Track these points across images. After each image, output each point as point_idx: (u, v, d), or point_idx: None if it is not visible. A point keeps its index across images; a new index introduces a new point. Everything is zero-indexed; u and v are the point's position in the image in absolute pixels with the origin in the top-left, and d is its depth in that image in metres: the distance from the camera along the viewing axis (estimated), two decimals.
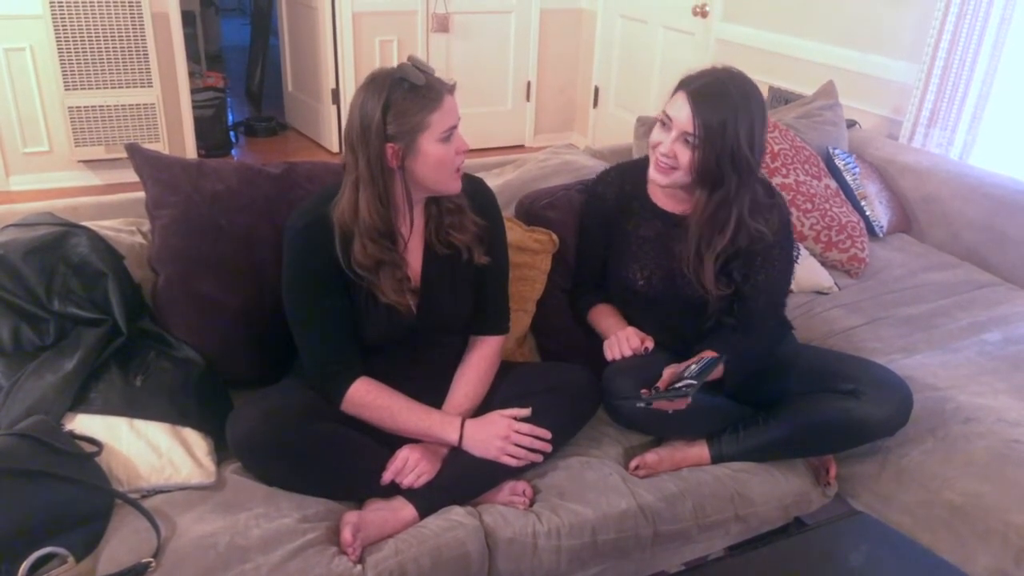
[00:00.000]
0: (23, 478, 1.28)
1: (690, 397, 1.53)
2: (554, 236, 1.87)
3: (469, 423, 1.54)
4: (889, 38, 3.06)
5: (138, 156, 1.70)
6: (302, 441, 1.45)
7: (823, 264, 2.37)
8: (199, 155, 4.37)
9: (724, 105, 1.56)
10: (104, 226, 1.72)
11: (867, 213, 2.51)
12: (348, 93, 4.57)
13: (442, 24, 4.63)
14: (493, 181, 2.13)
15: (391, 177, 1.46)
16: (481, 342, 1.68)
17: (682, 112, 1.59)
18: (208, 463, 1.47)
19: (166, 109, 4.05)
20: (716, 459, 1.69)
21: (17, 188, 4.01)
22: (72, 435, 1.40)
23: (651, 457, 1.66)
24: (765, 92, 3.50)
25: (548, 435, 1.55)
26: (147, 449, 1.44)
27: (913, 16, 2.95)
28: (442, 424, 1.54)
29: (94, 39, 3.75)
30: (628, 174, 1.82)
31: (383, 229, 1.47)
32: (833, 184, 2.51)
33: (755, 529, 1.69)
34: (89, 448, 1.40)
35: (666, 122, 1.63)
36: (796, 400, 1.68)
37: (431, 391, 1.61)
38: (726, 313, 1.74)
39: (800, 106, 2.82)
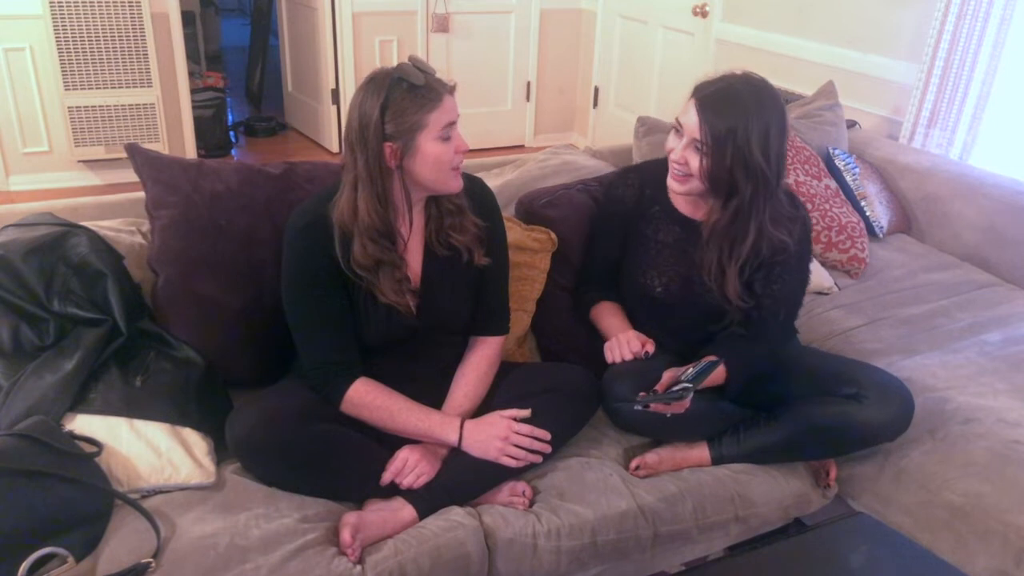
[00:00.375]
0: (23, 478, 1.28)
1: (688, 401, 1.53)
2: (553, 235, 1.87)
3: (468, 424, 1.54)
4: (889, 38, 3.06)
5: (138, 156, 1.70)
6: (301, 441, 1.45)
7: (823, 264, 2.37)
8: (199, 155, 4.37)
9: (733, 112, 1.54)
10: (104, 226, 1.72)
11: (867, 213, 2.51)
12: (348, 93, 4.57)
13: (442, 24, 4.63)
14: (493, 181, 2.13)
15: (389, 177, 1.46)
16: (481, 342, 1.68)
17: (691, 119, 1.58)
18: (208, 463, 1.47)
19: (166, 109, 4.05)
20: (717, 461, 1.69)
21: (17, 188, 4.01)
22: (72, 435, 1.40)
23: (651, 457, 1.66)
24: None
25: (547, 436, 1.55)
26: (147, 449, 1.44)
27: (913, 16, 2.95)
28: (441, 425, 1.54)
29: (94, 39, 3.75)
30: (648, 177, 1.80)
31: (382, 229, 1.47)
32: (833, 184, 2.51)
33: (755, 530, 1.69)
34: (89, 448, 1.40)
35: (679, 129, 1.62)
36: (797, 403, 1.68)
37: (431, 391, 1.61)
38: (740, 322, 1.72)
39: (800, 106, 2.82)
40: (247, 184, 1.72)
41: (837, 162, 2.57)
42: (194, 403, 1.53)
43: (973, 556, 1.55)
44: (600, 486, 1.58)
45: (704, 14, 3.91)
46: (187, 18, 4.59)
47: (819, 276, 2.30)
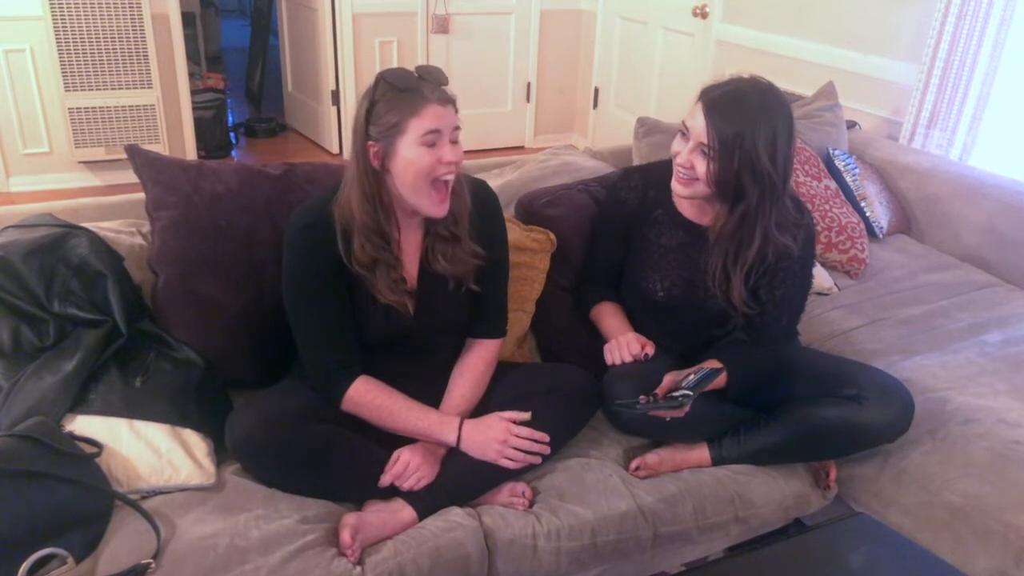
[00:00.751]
0: (23, 479, 1.28)
1: (687, 406, 1.53)
2: (552, 236, 1.87)
3: (467, 424, 1.54)
4: (889, 39, 3.06)
5: (138, 157, 1.70)
6: (301, 443, 1.45)
7: (823, 265, 2.37)
8: (199, 156, 4.38)
9: (741, 116, 1.53)
10: (104, 227, 1.72)
11: (867, 214, 2.51)
12: (348, 94, 4.58)
13: (442, 25, 4.63)
14: (493, 182, 2.13)
15: (377, 178, 1.47)
16: (478, 344, 1.67)
17: (698, 123, 1.56)
18: (208, 464, 1.47)
19: (166, 110, 4.06)
20: (717, 461, 1.69)
21: (17, 189, 4.01)
22: (72, 436, 1.40)
23: (651, 458, 1.66)
24: None
25: (546, 438, 1.55)
26: (147, 450, 1.44)
27: (913, 17, 2.95)
28: (440, 425, 1.54)
29: (94, 40, 3.75)
30: (652, 180, 1.78)
31: (374, 227, 1.48)
32: (833, 185, 2.51)
33: (755, 530, 1.69)
34: (89, 449, 1.40)
35: (685, 132, 1.61)
36: (798, 404, 1.68)
37: (431, 389, 1.61)
38: (742, 326, 1.72)
39: (800, 107, 2.82)
40: (247, 185, 1.73)
41: (837, 163, 2.57)
42: (194, 404, 1.53)
43: (973, 556, 1.55)
44: (600, 487, 1.58)
45: (704, 15, 3.91)
46: (187, 19, 4.59)
47: (819, 277, 2.30)
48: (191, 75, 4.36)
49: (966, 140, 2.82)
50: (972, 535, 1.56)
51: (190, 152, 4.30)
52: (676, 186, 1.66)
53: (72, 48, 3.73)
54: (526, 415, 1.54)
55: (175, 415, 1.49)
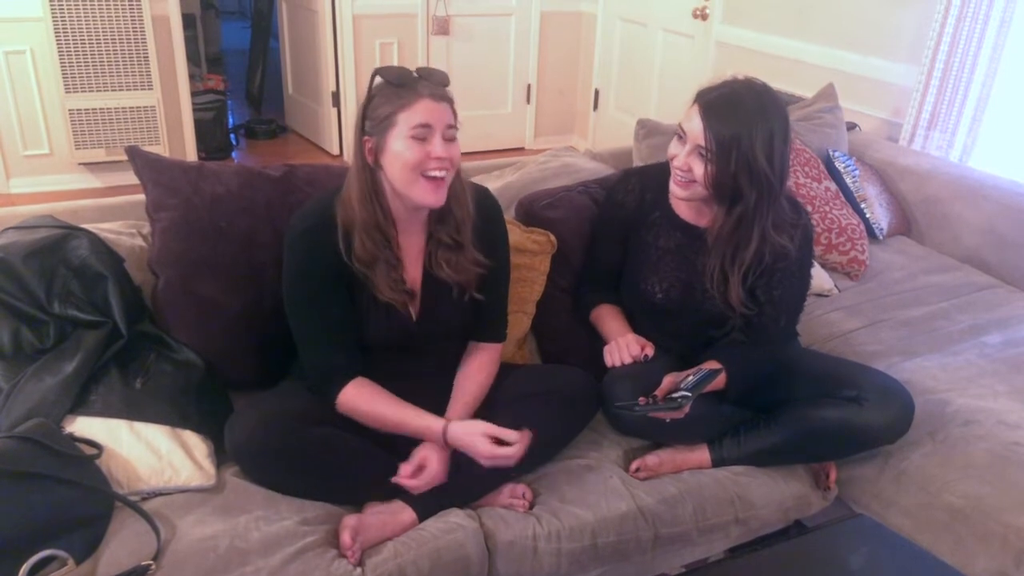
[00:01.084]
0: (23, 480, 1.28)
1: (687, 408, 1.53)
2: (552, 238, 1.87)
3: (451, 439, 1.51)
4: (889, 41, 3.07)
5: (138, 159, 1.70)
6: (300, 446, 1.44)
7: (823, 266, 2.37)
8: (199, 158, 4.38)
9: (737, 118, 1.53)
10: (104, 229, 1.72)
11: (867, 215, 2.51)
12: (348, 96, 4.58)
13: (442, 27, 4.64)
14: (493, 183, 2.13)
15: (373, 174, 1.48)
16: (479, 349, 1.67)
17: (695, 125, 1.57)
18: (208, 466, 1.47)
19: (166, 112, 4.06)
20: (717, 463, 1.69)
21: (17, 191, 4.02)
22: (72, 438, 1.40)
23: (652, 459, 1.66)
24: None
25: (527, 439, 1.50)
26: (147, 452, 1.44)
27: (913, 19, 2.95)
28: (426, 433, 1.52)
29: (94, 42, 3.76)
30: (650, 182, 1.79)
31: (373, 224, 1.48)
32: (833, 186, 2.51)
33: (755, 532, 1.69)
34: (89, 451, 1.40)
35: (682, 135, 1.61)
36: (798, 406, 1.68)
37: (433, 392, 1.61)
38: (740, 327, 1.72)
39: (800, 108, 2.82)
40: (247, 187, 1.73)
41: (837, 164, 2.58)
42: (194, 405, 1.54)
43: (973, 558, 1.55)
44: (600, 488, 1.58)
45: (704, 16, 3.91)
46: (187, 21, 4.60)
47: (819, 278, 2.31)
48: (191, 77, 4.36)
49: (966, 142, 2.82)
50: (972, 536, 1.56)
51: (190, 154, 4.30)
52: (674, 188, 1.66)
53: (72, 49, 3.73)
54: (513, 436, 1.48)
55: (175, 416, 1.49)
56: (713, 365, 1.62)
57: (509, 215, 1.97)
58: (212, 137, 4.61)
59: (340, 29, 4.46)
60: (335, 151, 4.84)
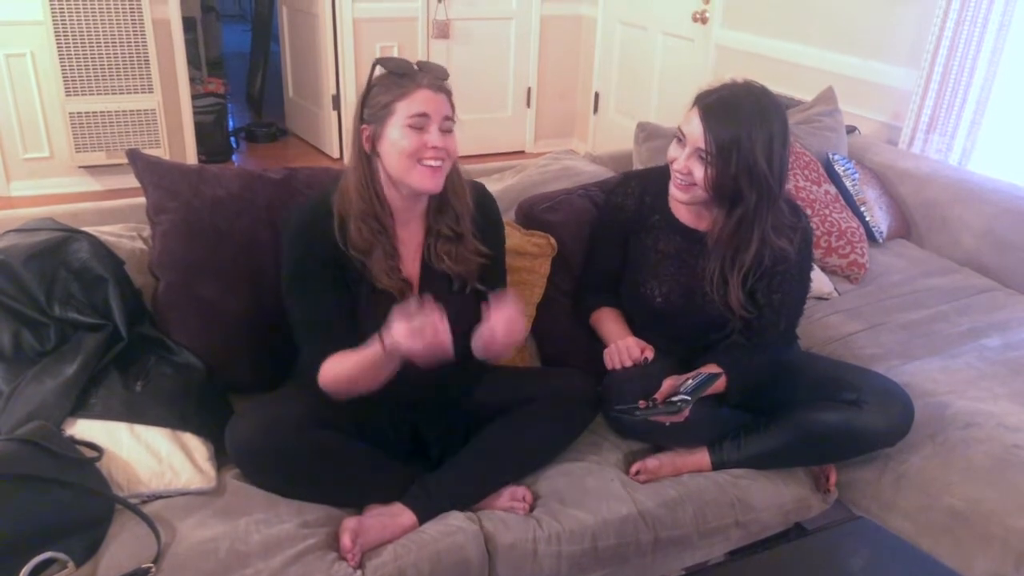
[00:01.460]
0: (23, 483, 1.28)
1: (687, 411, 1.53)
2: (552, 240, 1.87)
3: (386, 339, 1.38)
4: (888, 44, 3.07)
5: (139, 162, 1.70)
6: (301, 449, 1.44)
7: (823, 269, 2.37)
8: (200, 161, 4.38)
9: (737, 121, 1.54)
10: (105, 231, 1.73)
11: (867, 219, 2.52)
12: (348, 99, 4.59)
13: (442, 31, 4.64)
14: (494, 187, 2.13)
15: (371, 163, 1.49)
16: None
17: (695, 128, 1.57)
18: (208, 468, 1.47)
19: (167, 115, 4.06)
20: (717, 466, 1.69)
21: (17, 194, 4.02)
22: (72, 440, 1.41)
23: (652, 463, 1.66)
24: None
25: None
26: (147, 454, 1.44)
27: (912, 22, 2.96)
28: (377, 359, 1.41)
29: (95, 45, 3.76)
30: (649, 185, 1.79)
31: (370, 212, 1.49)
32: (832, 190, 2.52)
33: (755, 535, 1.69)
34: (89, 453, 1.40)
35: (681, 138, 1.61)
36: (798, 409, 1.68)
37: (434, 396, 1.61)
38: (740, 330, 1.72)
39: (800, 112, 2.83)
40: (248, 189, 1.73)
41: (837, 167, 2.58)
42: (194, 408, 1.54)
43: (973, 560, 1.55)
44: (600, 491, 1.58)
45: (704, 20, 3.92)
46: (188, 24, 4.60)
47: (819, 281, 2.31)
48: (192, 80, 4.37)
49: (965, 145, 2.82)
50: (972, 539, 1.56)
51: (191, 157, 4.31)
52: (674, 192, 1.66)
53: (73, 53, 3.74)
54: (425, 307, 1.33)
55: (175, 419, 1.49)
56: (713, 368, 1.62)
57: (509, 218, 1.97)
58: (212, 140, 4.62)
59: (340, 33, 4.47)
60: (335, 154, 4.84)
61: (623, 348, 1.68)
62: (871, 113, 3.14)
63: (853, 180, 2.57)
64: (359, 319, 1.53)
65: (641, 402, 1.54)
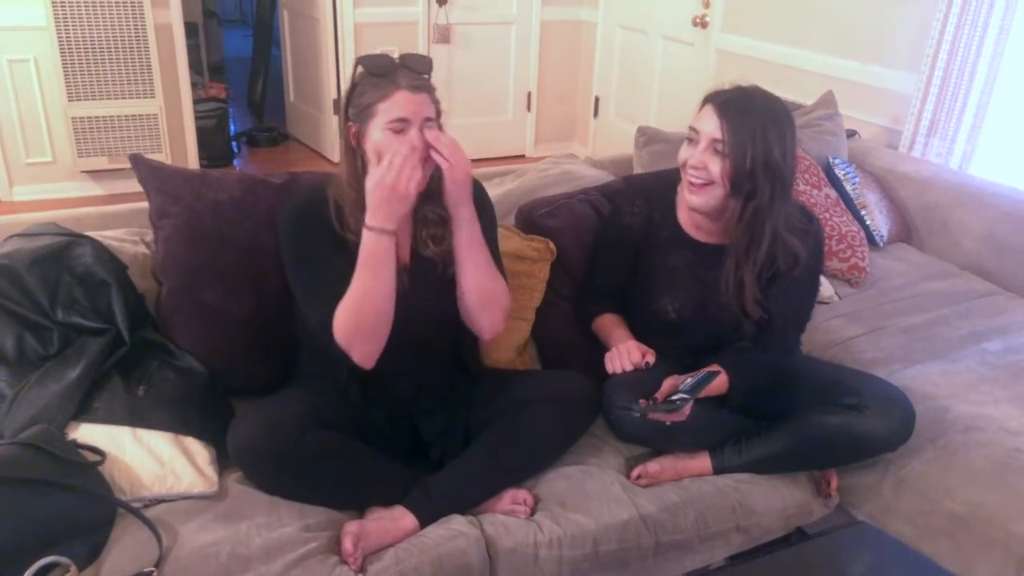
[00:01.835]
0: (26, 487, 1.28)
1: (687, 409, 1.53)
2: (552, 245, 1.88)
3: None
4: (888, 48, 3.08)
5: (142, 167, 1.71)
6: (302, 450, 1.45)
7: (823, 273, 2.37)
8: (201, 165, 4.39)
9: (752, 114, 1.56)
10: (107, 236, 1.73)
11: (867, 222, 2.52)
12: None
13: (443, 35, 4.65)
14: (494, 191, 2.14)
15: (359, 156, 1.52)
16: None
17: (709, 122, 1.58)
18: (210, 472, 1.48)
19: (168, 119, 4.07)
20: (718, 470, 1.69)
21: (20, 198, 4.03)
22: (75, 444, 1.41)
23: (653, 467, 1.66)
24: None
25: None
26: (149, 458, 1.44)
27: (912, 26, 2.96)
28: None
29: (98, 50, 3.77)
30: (656, 201, 1.79)
31: (360, 201, 1.50)
32: (833, 193, 2.52)
33: (756, 539, 1.69)
34: (92, 457, 1.40)
35: (693, 137, 1.62)
36: (799, 414, 1.68)
37: (428, 389, 1.62)
38: (751, 336, 1.72)
39: (800, 116, 2.83)
40: (250, 194, 1.74)
41: (837, 171, 2.58)
42: (196, 412, 1.54)
43: (974, 565, 1.55)
44: (602, 495, 1.58)
45: (704, 24, 3.93)
46: (190, 29, 4.62)
47: (820, 285, 2.31)
48: (193, 85, 4.38)
49: (966, 149, 2.83)
50: (973, 543, 1.56)
51: (192, 161, 4.31)
52: (688, 197, 1.65)
53: (75, 58, 3.75)
54: None
55: (178, 423, 1.50)
56: (712, 367, 1.62)
57: (509, 222, 1.98)
58: (214, 145, 4.63)
59: (341, 37, 4.48)
60: (337, 158, 4.81)
61: (624, 352, 1.69)
62: (871, 117, 3.14)
63: (853, 184, 2.58)
64: None
65: (641, 400, 1.54)
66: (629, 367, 1.66)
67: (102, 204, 1.95)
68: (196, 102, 4.37)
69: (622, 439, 1.74)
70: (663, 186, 1.78)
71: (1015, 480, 1.60)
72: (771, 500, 1.68)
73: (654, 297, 1.76)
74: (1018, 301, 2.33)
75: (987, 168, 2.80)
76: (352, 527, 1.41)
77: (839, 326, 2.17)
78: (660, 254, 1.76)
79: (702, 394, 1.59)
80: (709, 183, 1.61)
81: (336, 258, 1.51)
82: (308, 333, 1.63)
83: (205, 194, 1.70)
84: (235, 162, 4.86)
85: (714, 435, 1.71)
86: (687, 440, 1.70)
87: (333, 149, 4.85)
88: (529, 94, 5.06)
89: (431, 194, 1.56)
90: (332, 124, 4.76)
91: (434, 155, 1.46)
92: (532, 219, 1.94)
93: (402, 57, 1.51)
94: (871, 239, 2.51)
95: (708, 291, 1.71)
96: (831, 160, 2.62)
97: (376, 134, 1.47)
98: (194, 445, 1.49)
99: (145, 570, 1.28)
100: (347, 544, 1.37)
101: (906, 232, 2.65)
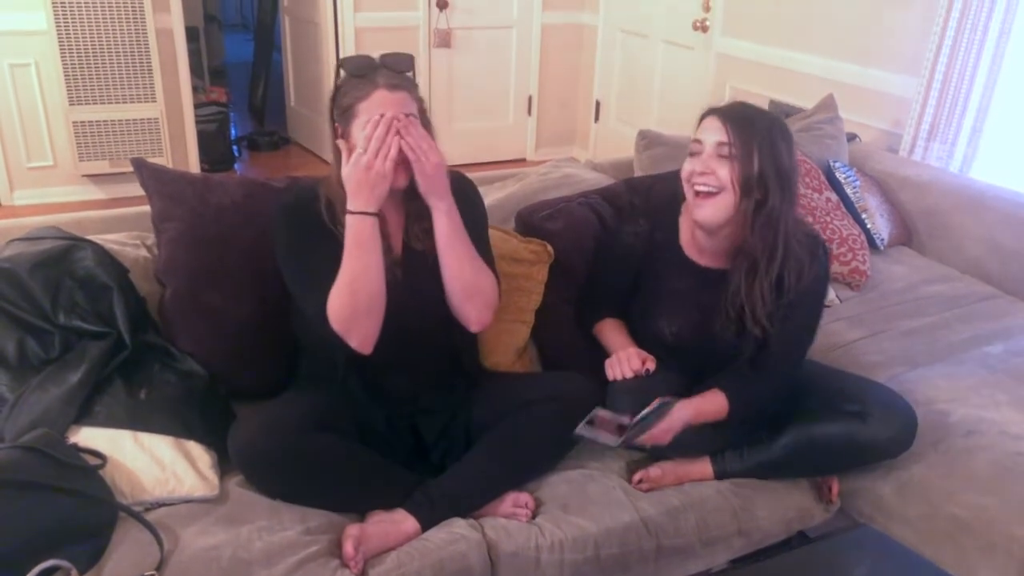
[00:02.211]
0: (27, 491, 1.28)
1: (657, 434, 1.52)
2: (549, 247, 1.87)
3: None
4: (889, 52, 3.08)
5: (145, 171, 1.71)
6: (303, 452, 1.45)
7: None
8: (202, 169, 4.39)
9: (754, 123, 1.57)
10: (109, 240, 1.73)
11: (868, 226, 2.52)
12: None
13: (444, 39, 4.66)
14: (495, 194, 2.14)
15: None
16: None
17: (713, 129, 1.58)
18: (211, 476, 1.48)
19: (170, 124, 4.08)
20: (720, 476, 1.69)
21: (21, 202, 4.03)
22: (76, 448, 1.41)
23: (654, 471, 1.66)
24: (765, 106, 3.52)
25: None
26: (151, 462, 1.44)
27: (912, 30, 2.97)
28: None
29: (99, 54, 3.78)
30: (659, 221, 1.77)
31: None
32: (834, 197, 2.52)
33: (757, 543, 1.69)
34: (93, 461, 1.40)
35: (696, 149, 1.61)
36: (801, 421, 1.67)
37: (424, 385, 1.63)
38: (749, 359, 1.69)
39: (800, 120, 2.83)
40: (252, 198, 1.74)
41: (838, 175, 2.58)
42: (198, 416, 1.54)
43: (976, 569, 1.55)
44: (603, 499, 1.58)
45: (704, 28, 3.93)
46: (191, 33, 4.62)
47: None
48: (194, 89, 4.38)
49: (966, 152, 2.83)
50: (975, 547, 1.56)
51: (193, 165, 4.32)
52: (697, 212, 1.62)
53: (77, 62, 3.76)
54: None
55: (179, 427, 1.50)
56: (667, 399, 1.57)
57: (510, 226, 1.98)
58: (215, 149, 4.63)
59: (342, 41, 4.48)
60: None
61: (624, 359, 1.68)
62: (871, 121, 3.14)
63: (854, 187, 2.58)
64: None
65: (600, 413, 1.53)
66: (629, 374, 1.66)
67: (103, 208, 1.95)
68: (197, 106, 4.38)
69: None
70: (665, 205, 1.76)
71: (1017, 484, 1.60)
72: (772, 505, 1.68)
73: (652, 319, 1.75)
74: (1019, 304, 2.33)
75: (988, 172, 2.80)
76: (353, 530, 1.41)
77: (841, 329, 2.17)
78: (660, 276, 1.75)
79: (697, 421, 1.59)
80: (719, 191, 1.58)
81: (328, 251, 1.51)
82: (306, 332, 1.64)
83: (208, 198, 1.70)
84: (236, 166, 4.87)
85: (716, 441, 1.71)
86: (689, 446, 1.69)
87: None
88: (530, 98, 5.06)
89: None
90: None
91: (404, 148, 1.46)
92: (532, 222, 1.94)
93: (382, 57, 1.53)
94: (872, 242, 2.51)
95: (707, 316, 1.69)
96: (832, 163, 2.62)
97: (359, 134, 1.47)
98: (195, 449, 1.49)
99: (146, 574, 1.28)
100: (348, 547, 1.37)
101: (907, 235, 2.65)
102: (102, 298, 1.57)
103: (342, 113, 1.51)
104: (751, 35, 3.69)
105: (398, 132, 1.45)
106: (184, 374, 1.59)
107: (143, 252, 1.76)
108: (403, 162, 1.48)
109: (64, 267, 1.57)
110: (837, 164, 2.62)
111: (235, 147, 5.00)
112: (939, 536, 1.61)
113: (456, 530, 1.47)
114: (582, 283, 1.91)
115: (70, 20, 3.67)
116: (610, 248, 1.85)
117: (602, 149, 4.96)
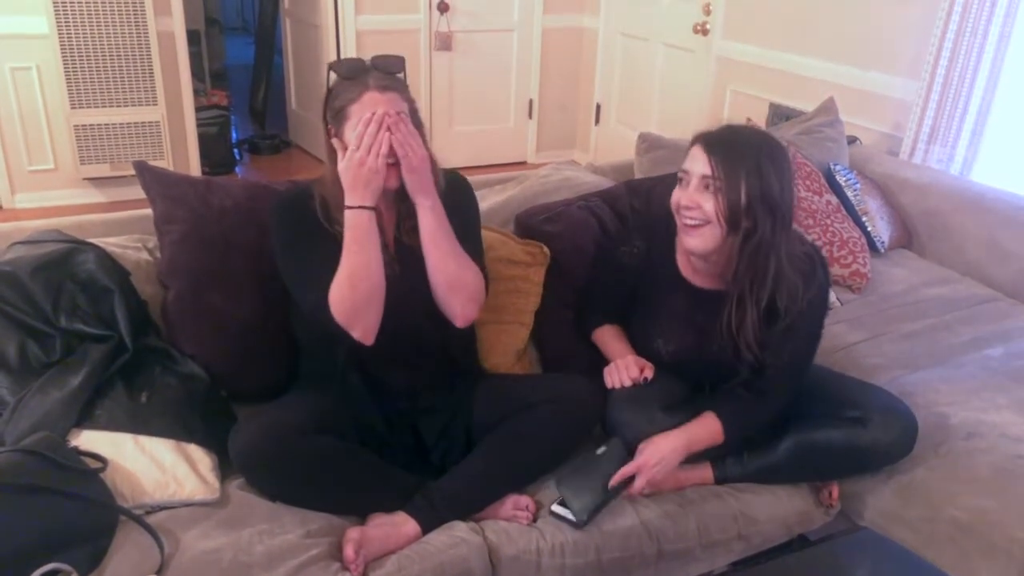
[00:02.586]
0: (28, 494, 1.29)
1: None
2: (546, 249, 1.87)
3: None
4: (889, 55, 3.09)
5: (147, 174, 1.72)
6: (303, 454, 1.45)
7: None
8: (203, 172, 4.40)
9: (742, 149, 1.53)
10: (110, 243, 1.74)
11: (868, 229, 2.52)
12: None
13: (444, 42, 4.67)
14: (495, 197, 2.14)
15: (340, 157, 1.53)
16: None
17: (698, 161, 1.55)
18: (212, 479, 1.48)
19: (171, 127, 4.08)
20: (720, 481, 1.69)
21: (22, 206, 4.04)
22: (77, 451, 1.41)
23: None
24: (765, 109, 3.53)
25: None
26: (151, 465, 1.44)
27: (913, 33, 2.97)
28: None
29: (100, 58, 3.78)
30: (656, 241, 1.75)
31: (343, 202, 1.51)
32: (834, 200, 2.52)
33: (758, 547, 1.69)
34: (94, 464, 1.40)
35: (683, 178, 1.59)
36: (802, 426, 1.67)
37: (421, 381, 1.63)
38: (744, 382, 1.67)
39: (801, 123, 2.84)
40: (254, 199, 1.75)
41: (838, 178, 2.59)
42: (199, 419, 1.54)
43: (977, 572, 1.55)
44: None
45: (705, 31, 3.94)
46: (192, 37, 4.63)
47: None
48: (195, 92, 4.39)
49: (967, 155, 2.83)
50: (976, 550, 1.56)
51: (194, 168, 4.32)
52: (686, 240, 1.60)
53: (78, 66, 3.76)
54: None
55: (180, 430, 1.50)
56: (601, 448, 1.59)
57: (509, 229, 1.98)
58: (216, 152, 4.64)
59: (343, 45, 4.49)
60: None
61: (622, 368, 1.68)
62: (872, 123, 3.15)
63: (855, 190, 2.58)
64: None
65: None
66: (628, 382, 1.65)
67: (104, 211, 1.95)
68: (198, 109, 4.39)
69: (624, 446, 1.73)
70: (662, 225, 1.73)
71: (1017, 486, 1.60)
72: (772, 509, 1.68)
73: (648, 337, 1.74)
74: (1020, 307, 2.33)
75: (988, 174, 2.81)
76: (354, 533, 1.41)
77: (841, 332, 2.17)
78: (657, 295, 1.74)
79: (691, 451, 1.60)
80: (705, 223, 1.56)
81: (324, 248, 1.52)
82: (306, 331, 1.65)
83: (210, 200, 1.71)
84: (237, 169, 4.87)
85: (716, 448, 1.70)
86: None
87: None
88: (530, 101, 5.07)
89: None
90: None
91: (393, 143, 1.48)
92: (531, 225, 1.94)
93: (372, 59, 1.55)
94: (872, 245, 2.51)
95: (703, 336, 1.68)
96: (832, 166, 2.62)
97: (351, 134, 1.49)
98: (196, 452, 1.50)
99: None
100: (349, 551, 1.37)
101: (907, 238, 2.65)
102: (103, 301, 1.57)
103: (335, 115, 1.53)
104: (751, 38, 3.70)
105: (388, 128, 1.47)
106: (185, 377, 1.59)
107: (144, 255, 1.76)
108: (396, 164, 1.50)
109: (65, 270, 1.57)
110: (838, 167, 2.63)
111: (236, 150, 5.00)
112: (940, 539, 1.61)
113: (457, 533, 1.47)
114: (581, 286, 1.91)
115: (71, 23, 3.68)
116: (607, 261, 1.85)
117: (602, 152, 4.96)
